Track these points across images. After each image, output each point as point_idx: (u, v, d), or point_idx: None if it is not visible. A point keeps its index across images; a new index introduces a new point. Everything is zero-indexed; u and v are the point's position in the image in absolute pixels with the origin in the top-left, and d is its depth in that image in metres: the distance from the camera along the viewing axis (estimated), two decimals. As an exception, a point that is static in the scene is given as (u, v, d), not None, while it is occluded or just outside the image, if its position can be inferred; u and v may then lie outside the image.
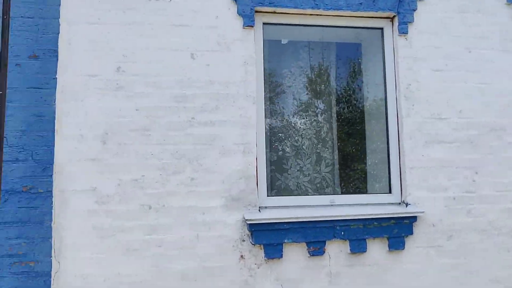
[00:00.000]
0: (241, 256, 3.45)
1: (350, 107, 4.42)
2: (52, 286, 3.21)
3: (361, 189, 4.16)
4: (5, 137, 3.07)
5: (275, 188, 3.89)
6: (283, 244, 3.47)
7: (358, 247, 3.56)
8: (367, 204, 3.71)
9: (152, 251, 3.34)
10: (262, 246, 3.46)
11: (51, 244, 3.24)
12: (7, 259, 3.18)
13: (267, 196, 3.62)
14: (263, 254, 3.46)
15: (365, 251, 3.58)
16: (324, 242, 3.53)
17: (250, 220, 3.39)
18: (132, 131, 3.40)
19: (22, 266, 3.21)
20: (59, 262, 3.23)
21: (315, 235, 3.51)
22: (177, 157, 3.45)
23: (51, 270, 3.22)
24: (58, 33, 3.37)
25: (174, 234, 3.39)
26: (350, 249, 3.56)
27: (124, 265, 3.29)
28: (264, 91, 3.73)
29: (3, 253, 3.13)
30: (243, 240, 3.46)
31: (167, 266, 3.35)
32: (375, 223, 3.57)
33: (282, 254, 3.46)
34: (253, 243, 3.45)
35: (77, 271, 3.24)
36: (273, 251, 3.45)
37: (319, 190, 4.00)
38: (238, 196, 3.48)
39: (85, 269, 3.25)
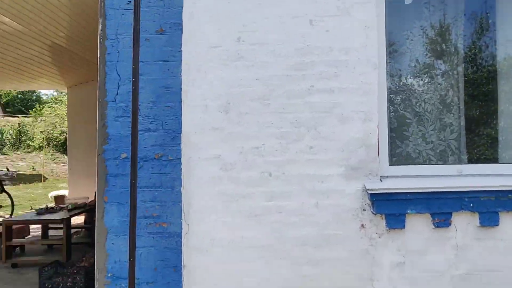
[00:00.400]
0: (362, 225, 3.42)
1: (475, 67, 4.07)
2: (182, 247, 3.46)
3: (488, 157, 3.86)
4: (139, 108, 3.28)
5: (395, 156, 3.75)
6: (406, 214, 3.37)
7: (489, 220, 3.35)
8: (499, 175, 3.45)
9: (273, 217, 3.44)
10: (383, 216, 3.40)
11: (181, 207, 3.47)
12: (144, 220, 3.47)
13: (389, 165, 3.52)
14: (384, 224, 3.40)
15: (497, 225, 3.36)
16: (450, 214, 3.37)
17: (371, 189, 3.33)
18: (252, 101, 3.46)
19: (156, 227, 3.49)
20: (188, 224, 3.47)
21: (440, 207, 3.36)
22: (296, 125, 3.46)
23: (181, 232, 3.47)
24: (182, 6, 3.49)
25: (294, 201, 3.45)
26: (480, 222, 3.36)
27: (247, 230, 3.43)
28: (385, 55, 3.57)
29: (140, 214, 3.41)
30: (364, 210, 3.41)
31: (287, 232, 3.44)
32: (509, 195, 3.31)
33: (404, 225, 3.37)
34: (374, 212, 3.39)
35: (205, 233, 3.45)
36: (395, 221, 3.37)
37: (443, 158, 3.79)
38: (358, 165, 3.43)
39: (212, 232, 3.45)
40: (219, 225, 3.45)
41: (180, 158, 3.47)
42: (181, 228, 3.46)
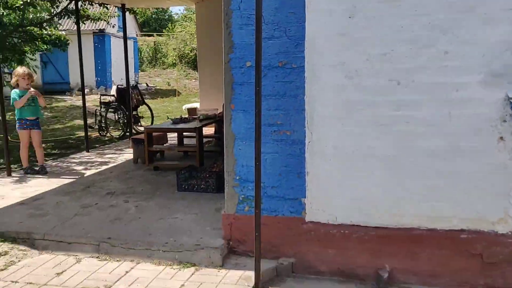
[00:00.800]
0: (500, 137, 3.12)
1: None
2: (306, 154, 3.51)
3: None
4: (262, 15, 3.24)
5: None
6: (556, 127, 3.00)
7: None
8: None
9: (400, 127, 3.29)
10: (527, 128, 3.06)
11: (304, 115, 3.48)
12: (268, 128, 3.56)
13: (539, 71, 3.10)
14: (528, 137, 3.07)
15: None
16: None
17: (515, 98, 2.99)
18: (381, 3, 3.21)
19: (280, 135, 3.57)
20: (311, 132, 3.48)
21: None
22: (429, 28, 3.16)
23: (304, 139, 3.50)
24: None
25: (423, 111, 3.24)
26: None
27: (372, 139, 3.35)
28: None
29: (265, 122, 3.48)
30: (504, 121, 3.10)
31: (415, 143, 3.28)
32: None
33: (553, 138, 3.02)
34: (516, 124, 3.07)
35: (328, 141, 3.45)
36: (542, 134, 3.03)
37: None
38: (501, 71, 3.07)
39: (335, 140, 3.43)
40: (342, 133, 3.40)
41: (304, 66, 3.42)
42: (304, 136, 3.49)
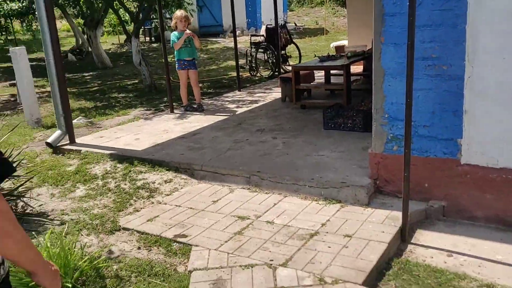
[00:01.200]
0: None
1: None
2: (464, 90, 3.19)
3: None
4: None
5: None
6: None
7: None
8: None
9: None
10: None
11: (464, 48, 3.13)
12: (421, 62, 3.30)
13: None
14: None
15: None
16: None
17: None
18: None
19: (435, 69, 3.28)
20: (472, 66, 3.13)
21: None
22: None
23: (463, 74, 3.18)
24: None
25: None
26: None
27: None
28: None
29: (418, 55, 3.22)
30: None
31: None
32: None
33: None
34: None
35: (492, 76, 3.08)
36: None
37: None
38: None
39: (501, 76, 3.05)
40: (511, 67, 3.00)
41: (467, -10, 3.05)
42: (463, 71, 3.16)
